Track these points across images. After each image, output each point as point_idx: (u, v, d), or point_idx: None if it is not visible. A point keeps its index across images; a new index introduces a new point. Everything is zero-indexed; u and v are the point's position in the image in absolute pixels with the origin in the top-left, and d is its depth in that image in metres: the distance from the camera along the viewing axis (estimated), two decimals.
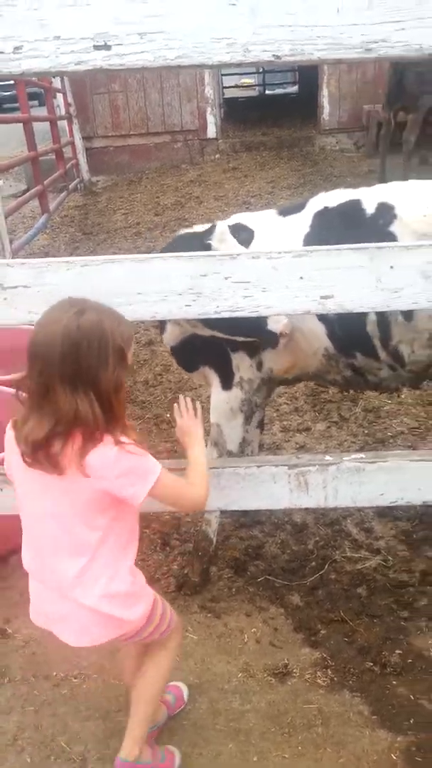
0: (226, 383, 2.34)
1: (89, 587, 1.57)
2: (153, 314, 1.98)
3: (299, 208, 2.41)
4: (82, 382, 1.43)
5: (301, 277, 1.85)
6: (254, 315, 1.92)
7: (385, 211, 2.21)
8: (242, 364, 2.33)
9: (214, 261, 1.90)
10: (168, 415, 3.69)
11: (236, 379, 2.33)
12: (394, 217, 2.19)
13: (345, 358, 2.33)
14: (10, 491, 2.24)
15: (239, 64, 1.63)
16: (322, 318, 2.20)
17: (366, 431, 3.26)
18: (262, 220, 2.41)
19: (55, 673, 2.21)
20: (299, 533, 2.73)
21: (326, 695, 2.07)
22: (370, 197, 2.29)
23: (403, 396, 3.31)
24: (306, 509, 2.76)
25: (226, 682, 2.13)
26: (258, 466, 2.08)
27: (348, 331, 2.21)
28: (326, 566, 2.53)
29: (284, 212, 2.43)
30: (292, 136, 11.60)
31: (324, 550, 2.63)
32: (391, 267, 1.79)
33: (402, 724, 1.97)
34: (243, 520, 2.77)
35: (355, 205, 2.30)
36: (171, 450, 3.38)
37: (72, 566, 1.57)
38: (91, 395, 1.44)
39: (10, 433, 1.58)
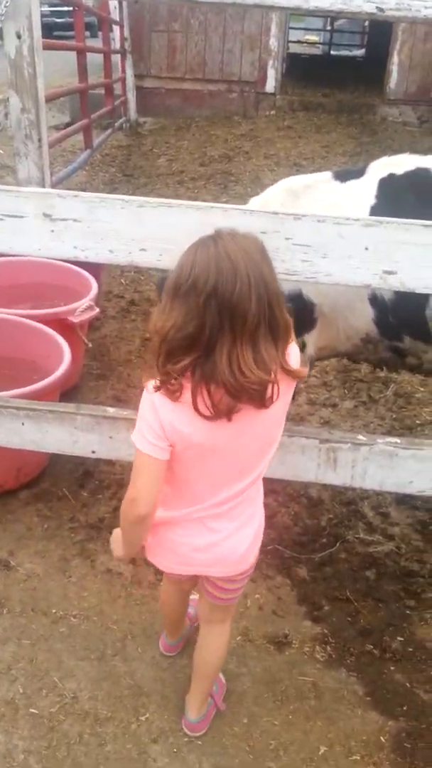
0: None
1: (257, 505, 1.63)
2: None
3: (359, 173, 2.25)
4: (280, 296, 1.34)
5: (367, 248, 1.77)
6: (311, 281, 1.85)
7: None
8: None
9: (276, 219, 1.82)
10: None
11: None
12: None
13: (389, 341, 2.26)
14: (31, 426, 2.23)
15: (339, 13, 1.52)
16: (373, 302, 2.13)
17: (394, 416, 3.21)
18: (317, 185, 2.28)
19: (54, 610, 2.22)
20: (314, 508, 2.71)
21: (322, 670, 2.08)
22: None
23: None
24: (323, 485, 2.73)
25: None
26: (289, 436, 2.05)
27: (402, 314, 2.14)
28: (337, 544, 2.51)
29: (341, 177, 2.27)
30: (354, 102, 11.22)
31: (337, 528, 2.61)
32: None
33: (395, 709, 1.97)
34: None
35: (427, 177, 2.16)
36: None
37: (251, 489, 1.56)
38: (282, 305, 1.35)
39: (173, 412, 1.36)
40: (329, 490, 2.78)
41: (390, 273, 1.79)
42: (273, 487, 2.78)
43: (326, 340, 2.32)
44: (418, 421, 3.21)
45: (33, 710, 1.89)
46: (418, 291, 1.81)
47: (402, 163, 2.23)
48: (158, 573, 2.36)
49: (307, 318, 2.17)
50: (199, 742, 1.85)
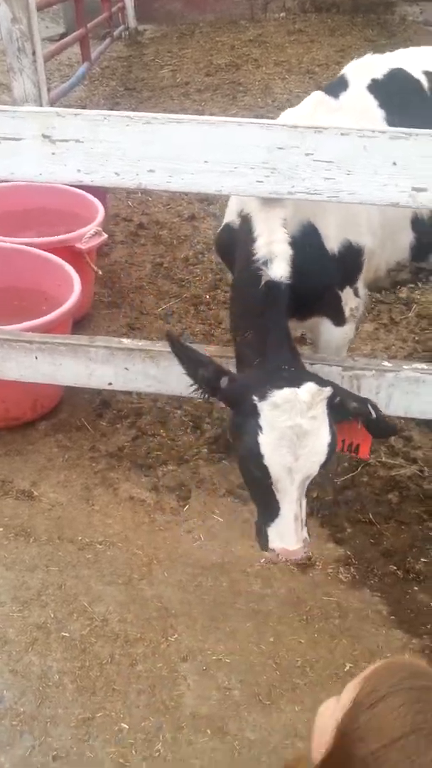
0: (340, 321, 2.18)
1: None
2: (219, 187, 1.81)
3: (343, 85, 2.18)
4: None
5: (395, 163, 1.66)
6: (333, 200, 1.74)
7: None
8: (348, 297, 2.18)
9: (296, 133, 1.70)
10: (207, 297, 3.57)
11: (347, 313, 2.18)
12: None
13: (416, 263, 2.33)
14: (44, 359, 2.20)
15: None
16: (414, 225, 2.09)
17: (417, 338, 3.13)
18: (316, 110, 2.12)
19: (80, 538, 2.26)
20: None
21: (346, 591, 2.11)
22: (412, 65, 2.20)
23: None
24: None
25: (248, 566, 2.17)
26: (311, 363, 1.99)
27: None
28: (359, 468, 2.51)
29: (332, 92, 2.17)
30: (370, 0, 10.39)
31: None
32: None
33: (419, 627, 2.01)
34: None
35: (406, 78, 2.19)
36: (207, 333, 3.28)
37: None
38: None
39: None
40: None
41: (420, 190, 1.68)
42: None
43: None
44: None
45: (65, 633, 1.95)
46: None
47: (374, 66, 2.23)
48: (180, 499, 2.39)
49: (358, 263, 2.10)
50: (228, 660, 1.91)
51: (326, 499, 2.39)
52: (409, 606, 2.07)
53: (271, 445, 1.60)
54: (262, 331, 1.78)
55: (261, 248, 1.77)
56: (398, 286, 2.54)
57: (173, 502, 2.37)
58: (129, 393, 2.78)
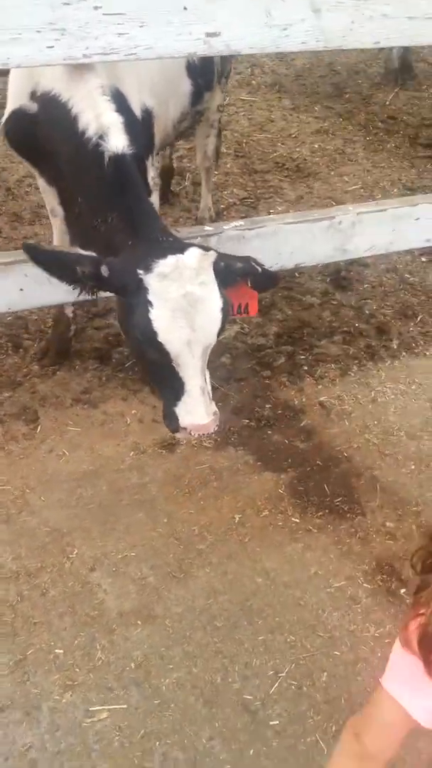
0: (148, 191, 2.00)
1: None
2: (5, 60, 1.56)
3: None
4: None
5: (185, 8, 1.58)
6: (131, 59, 1.61)
7: None
8: (149, 167, 2.04)
9: None
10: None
11: (151, 183, 2.06)
12: None
13: (194, 107, 2.32)
14: None
15: None
16: (189, 71, 2.04)
17: (197, 205, 3.17)
18: None
19: None
20: None
21: (214, 454, 2.24)
22: None
23: (228, 166, 3.22)
24: None
25: (120, 463, 2.18)
26: None
27: (205, 72, 2.21)
28: None
29: None
30: None
31: None
32: None
33: (282, 464, 2.24)
34: (95, 309, 2.64)
35: None
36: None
37: None
38: None
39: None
40: None
41: (213, 35, 1.64)
42: (108, 306, 2.67)
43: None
44: (222, 206, 3.22)
45: None
46: (244, 53, 1.70)
47: None
48: (29, 422, 2.25)
49: (153, 127, 2.00)
50: (133, 554, 1.95)
51: None
52: (269, 449, 2.28)
53: (165, 318, 1.52)
54: (125, 210, 1.64)
55: (90, 124, 1.60)
56: (179, 139, 2.57)
57: (23, 427, 2.23)
58: None
